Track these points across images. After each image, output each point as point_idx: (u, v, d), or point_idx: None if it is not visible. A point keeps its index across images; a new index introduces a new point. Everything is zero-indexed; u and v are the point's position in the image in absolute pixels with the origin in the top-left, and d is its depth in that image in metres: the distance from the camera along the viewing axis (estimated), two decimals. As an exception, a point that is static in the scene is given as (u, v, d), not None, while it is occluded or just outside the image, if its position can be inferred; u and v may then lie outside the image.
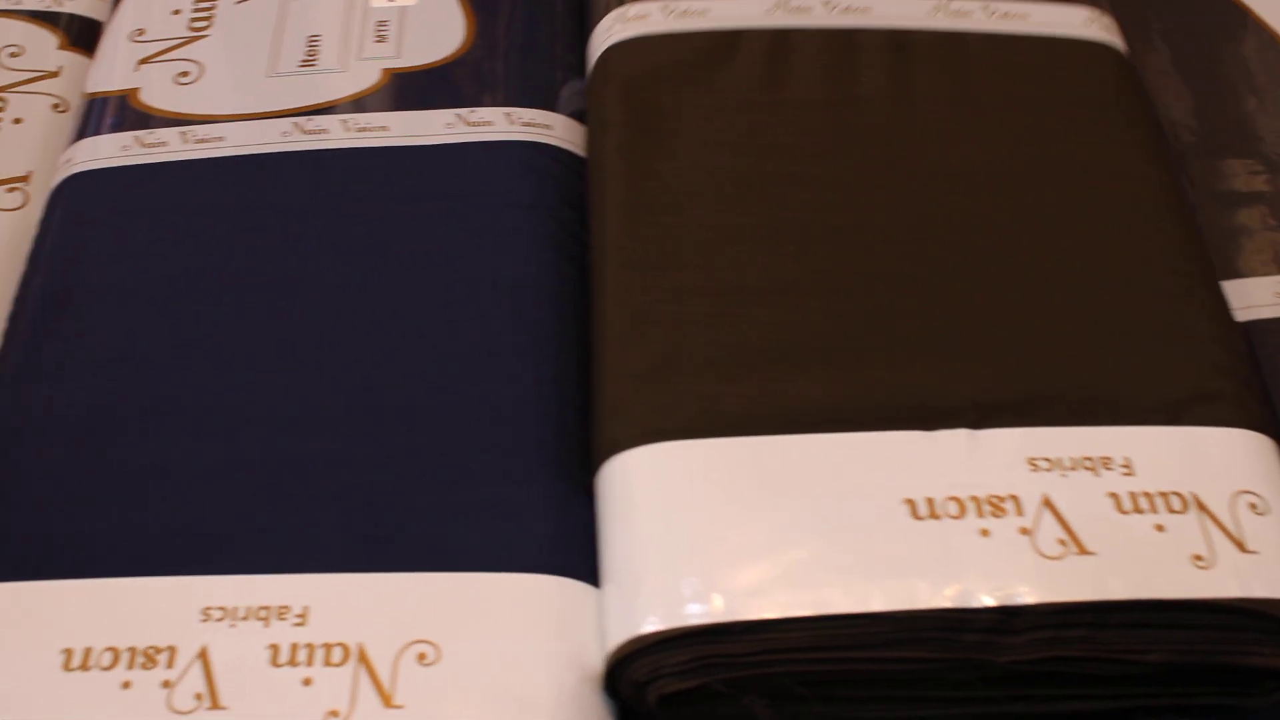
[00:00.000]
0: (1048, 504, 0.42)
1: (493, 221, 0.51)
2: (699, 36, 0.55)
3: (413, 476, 0.45)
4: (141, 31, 0.60)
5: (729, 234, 0.48)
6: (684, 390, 0.44)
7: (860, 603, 0.40)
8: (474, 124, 0.55)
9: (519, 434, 0.46)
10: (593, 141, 0.54)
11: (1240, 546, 0.41)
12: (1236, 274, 0.52)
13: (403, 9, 0.59)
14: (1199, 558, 0.41)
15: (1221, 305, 0.48)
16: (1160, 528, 0.41)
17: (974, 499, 0.42)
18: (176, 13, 0.60)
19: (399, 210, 0.52)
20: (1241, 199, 0.55)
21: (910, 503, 0.41)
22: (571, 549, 0.43)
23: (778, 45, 0.55)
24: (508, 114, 0.55)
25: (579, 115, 0.57)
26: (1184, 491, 0.42)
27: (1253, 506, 0.42)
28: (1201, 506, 0.42)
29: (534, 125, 0.55)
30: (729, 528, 0.41)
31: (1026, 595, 0.40)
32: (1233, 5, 0.63)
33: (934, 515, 0.41)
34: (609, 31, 0.57)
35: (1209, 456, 0.43)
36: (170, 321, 0.49)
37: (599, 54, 0.57)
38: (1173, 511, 0.42)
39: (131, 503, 0.45)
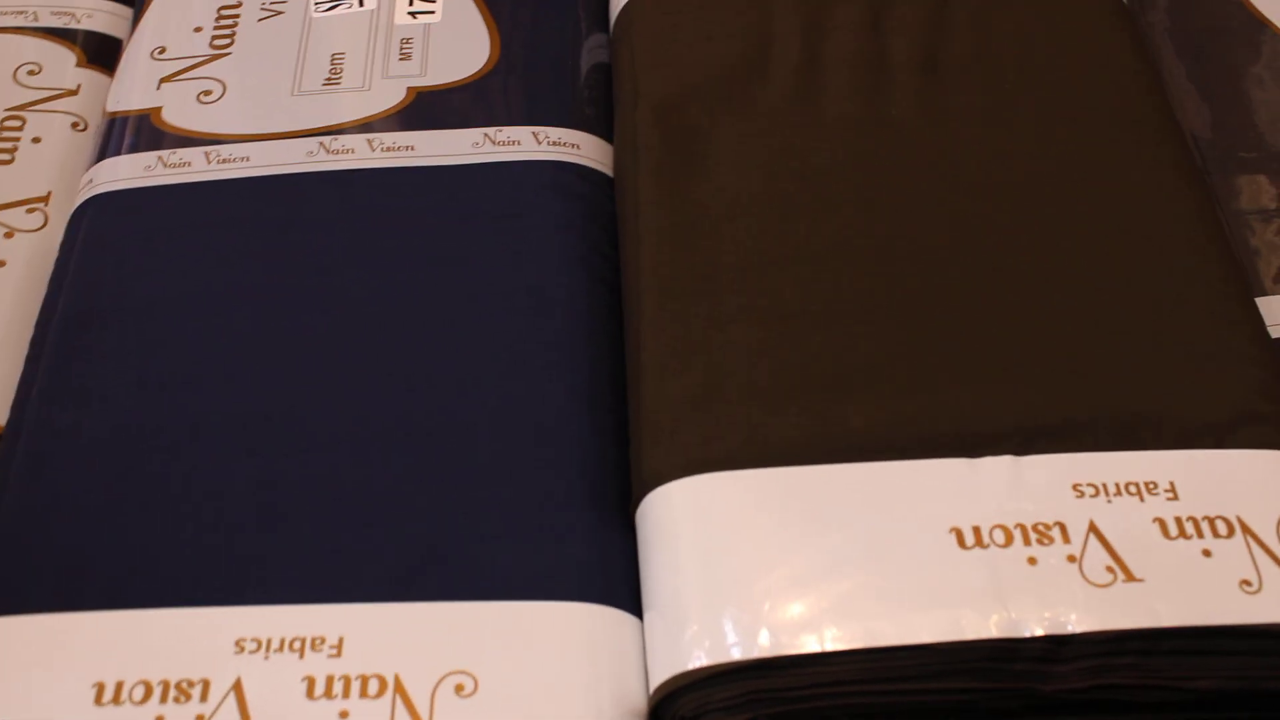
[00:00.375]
0: (1094, 530, 0.41)
1: (522, 242, 0.51)
2: (725, 40, 0.55)
3: (448, 502, 0.44)
4: (162, 49, 0.59)
5: (767, 258, 0.48)
6: (726, 420, 0.44)
7: (908, 634, 0.39)
8: (501, 144, 0.54)
9: (555, 458, 0.45)
10: (623, 163, 0.53)
11: None
12: (1263, 291, 0.52)
13: (427, 26, 0.59)
14: (1247, 583, 0.40)
15: (1259, 324, 0.48)
16: (1207, 553, 0.41)
17: (1020, 526, 0.41)
18: (198, 30, 0.60)
19: (427, 231, 0.51)
20: (1264, 214, 0.55)
21: (957, 532, 0.41)
22: (611, 576, 0.43)
23: (809, 63, 0.54)
24: (535, 133, 0.54)
25: (601, 71, 0.57)
26: (1229, 516, 0.42)
27: None
28: (1247, 530, 0.41)
29: (562, 145, 0.54)
30: (775, 560, 0.41)
31: (1075, 624, 0.39)
32: (1251, 17, 0.63)
33: (981, 544, 0.41)
34: None
35: (1253, 479, 0.43)
36: (197, 343, 0.49)
37: (621, 7, 0.57)
38: (1219, 536, 0.41)
39: (162, 530, 0.44)
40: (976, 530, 0.41)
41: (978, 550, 0.41)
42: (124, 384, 0.48)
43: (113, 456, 0.46)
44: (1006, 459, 0.43)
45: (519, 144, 0.54)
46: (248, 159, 0.54)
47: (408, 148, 0.54)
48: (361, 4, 0.60)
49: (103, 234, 0.53)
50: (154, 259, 0.51)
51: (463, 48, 0.58)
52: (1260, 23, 0.62)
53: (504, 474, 0.45)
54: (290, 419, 0.46)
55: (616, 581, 0.43)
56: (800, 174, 0.51)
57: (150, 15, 0.61)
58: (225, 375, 0.48)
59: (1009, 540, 0.41)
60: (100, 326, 0.50)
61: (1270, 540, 0.41)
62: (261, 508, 0.44)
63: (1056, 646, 0.40)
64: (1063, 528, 0.41)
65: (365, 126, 0.55)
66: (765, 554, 0.41)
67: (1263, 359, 0.46)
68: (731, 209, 0.49)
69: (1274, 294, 0.52)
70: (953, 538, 0.41)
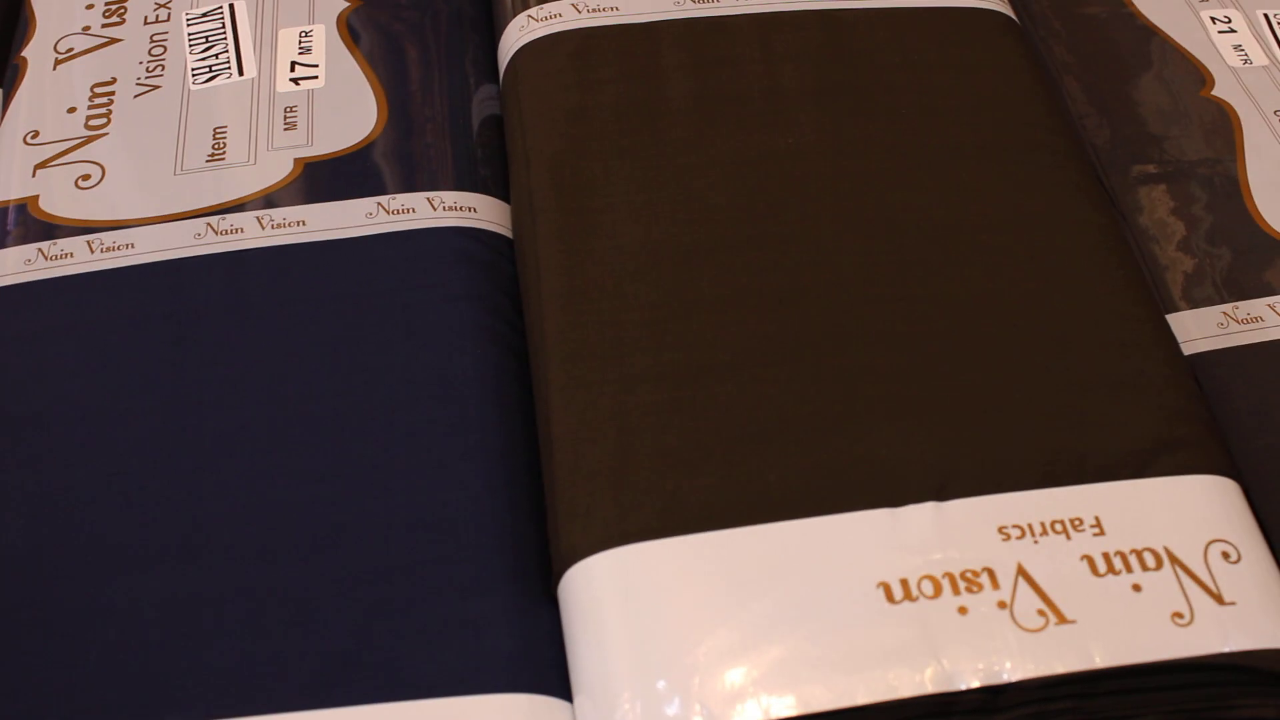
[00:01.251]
0: (1023, 574, 0.41)
1: (426, 317, 0.49)
2: (615, 84, 0.54)
3: (363, 602, 0.42)
4: (36, 133, 0.57)
5: (671, 312, 0.47)
6: (642, 489, 0.43)
7: (843, 697, 0.38)
8: (395, 212, 0.52)
9: (472, 545, 0.44)
10: (521, 227, 0.52)
11: (1218, 599, 0.40)
12: (1174, 307, 0.52)
13: (311, 92, 0.57)
14: (1178, 615, 0.40)
15: (1174, 348, 0.48)
16: (1137, 587, 0.40)
17: (948, 575, 0.40)
18: (72, 111, 0.57)
19: (325, 312, 0.49)
20: (1168, 227, 0.55)
21: (885, 586, 0.40)
22: (538, 663, 0.41)
23: (701, 100, 0.54)
24: (430, 199, 0.53)
25: (493, 126, 0.56)
26: (1157, 547, 0.41)
27: (1225, 555, 0.41)
28: (1175, 560, 0.41)
29: (458, 209, 0.53)
30: (702, 632, 0.40)
31: (1010, 672, 0.39)
32: (1142, 27, 0.63)
33: (910, 597, 0.40)
34: (520, 33, 0.56)
35: (1177, 507, 0.42)
36: (98, 447, 0.46)
37: (509, 57, 0.56)
38: (1147, 569, 0.41)
39: (74, 651, 0.42)
40: (904, 583, 0.40)
41: (907, 604, 0.40)
42: (25, 499, 0.45)
43: (18, 578, 0.44)
44: (929, 506, 0.42)
45: (414, 211, 0.53)
46: (132, 246, 0.52)
47: (299, 223, 0.52)
48: (241, 73, 0.58)
49: None
50: (41, 363, 0.49)
51: (349, 113, 0.56)
52: (1150, 30, 0.62)
53: (419, 567, 0.43)
54: (192, 527, 0.44)
55: (544, 668, 0.41)
56: (699, 219, 0.50)
57: (21, 97, 0.59)
58: (127, 484, 0.45)
59: (938, 591, 0.40)
60: None
61: (1198, 569, 0.41)
62: (168, 623, 0.42)
63: (993, 696, 0.39)
64: (991, 573, 0.41)
65: (253, 203, 0.53)
66: (691, 626, 0.40)
67: (1177, 382, 0.46)
68: (632, 264, 0.49)
69: (1183, 309, 0.52)
70: (881, 593, 0.40)
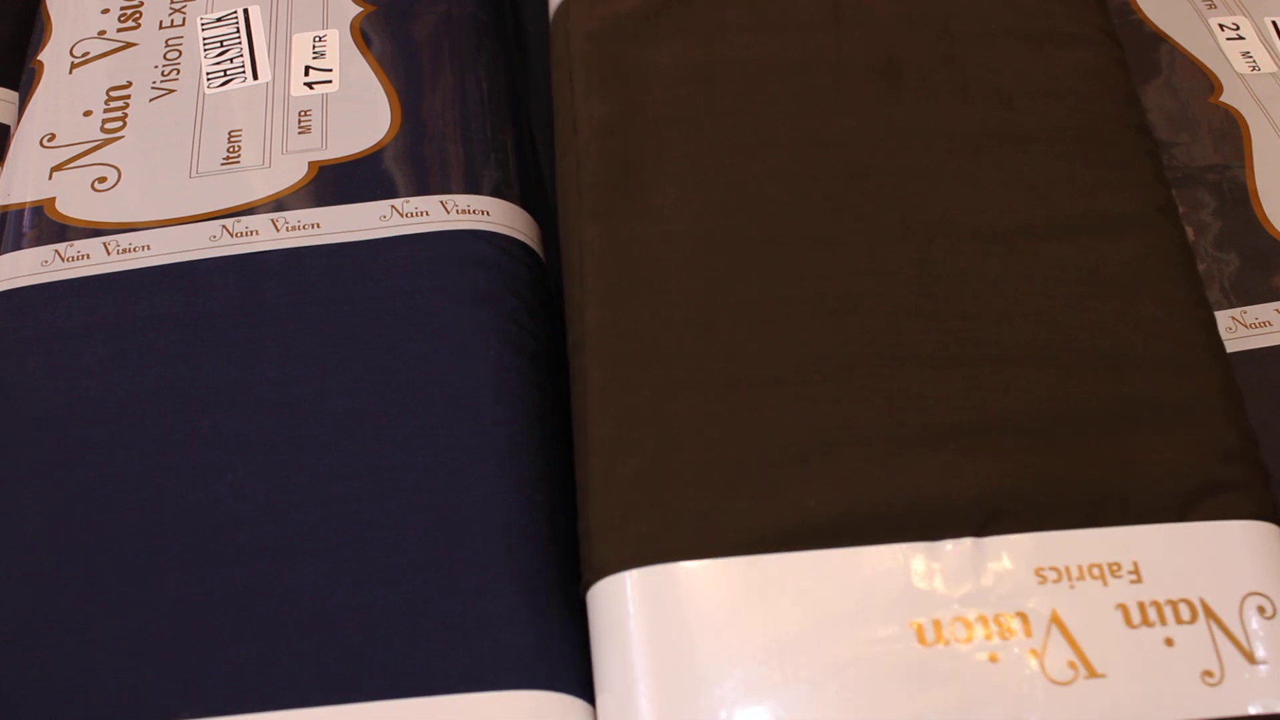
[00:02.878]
0: (1056, 620, 0.40)
1: (440, 319, 0.49)
2: (675, 38, 0.52)
3: (380, 600, 0.43)
4: (52, 136, 0.56)
5: (719, 314, 0.45)
6: (677, 505, 0.42)
7: (872, 742, 0.38)
8: (409, 215, 0.52)
9: (484, 544, 0.44)
10: (566, 194, 0.50)
11: (1249, 658, 0.40)
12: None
13: (325, 96, 0.56)
14: (1209, 674, 0.40)
15: (1229, 377, 0.46)
16: (1169, 641, 0.40)
17: (981, 619, 0.40)
18: (88, 114, 0.57)
19: (341, 313, 0.49)
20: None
21: (917, 626, 0.40)
22: (552, 660, 0.42)
23: (762, 67, 0.51)
24: (443, 202, 0.53)
25: (504, 126, 0.56)
26: (1192, 598, 0.41)
27: (1260, 610, 0.41)
28: (1210, 614, 0.41)
29: (471, 212, 0.52)
30: (732, 663, 0.39)
31: (1037, 726, 0.39)
32: (1151, 34, 0.63)
33: (941, 639, 0.40)
34: None
35: (1218, 555, 0.42)
36: (114, 447, 0.46)
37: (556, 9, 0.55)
38: (1181, 622, 0.40)
39: (90, 650, 0.42)
40: (937, 624, 0.40)
41: (939, 647, 0.40)
42: (41, 501, 0.46)
43: (24, 583, 0.44)
44: (968, 542, 0.41)
45: (428, 214, 0.52)
46: (148, 247, 0.52)
47: (313, 225, 0.52)
48: (256, 77, 0.57)
49: (2, 337, 0.50)
50: (59, 364, 0.49)
51: (363, 117, 0.55)
52: (1158, 37, 0.62)
53: (434, 566, 0.43)
54: (208, 527, 0.45)
55: (558, 665, 0.42)
56: (752, 210, 0.48)
57: (37, 100, 0.58)
58: (142, 484, 0.46)
59: (970, 635, 0.40)
60: (10, 439, 0.47)
61: (1232, 623, 0.41)
62: (184, 621, 0.43)
63: (1020, 749, 0.39)
64: (1024, 619, 0.40)
65: (268, 206, 0.53)
66: (721, 656, 0.39)
67: (1229, 415, 0.44)
68: (680, 256, 0.47)
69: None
70: (913, 633, 0.40)
